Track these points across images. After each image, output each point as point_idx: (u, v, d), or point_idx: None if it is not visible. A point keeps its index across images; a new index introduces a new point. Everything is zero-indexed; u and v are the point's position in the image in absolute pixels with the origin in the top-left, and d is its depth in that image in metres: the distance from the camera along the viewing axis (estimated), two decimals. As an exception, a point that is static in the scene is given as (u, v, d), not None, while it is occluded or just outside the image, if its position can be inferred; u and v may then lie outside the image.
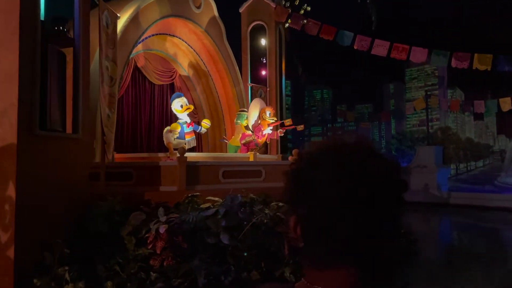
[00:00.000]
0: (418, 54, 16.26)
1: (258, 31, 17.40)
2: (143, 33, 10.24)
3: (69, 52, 6.66)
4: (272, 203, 6.75)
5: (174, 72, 14.68)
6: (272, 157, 12.44)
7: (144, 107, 13.50)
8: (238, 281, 5.68)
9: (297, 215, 0.85)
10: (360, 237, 0.78)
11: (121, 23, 9.20)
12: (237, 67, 16.30)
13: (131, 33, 9.70)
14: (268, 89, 16.90)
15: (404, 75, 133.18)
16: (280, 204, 7.01)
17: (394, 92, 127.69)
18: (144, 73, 13.10)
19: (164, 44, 13.51)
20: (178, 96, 10.88)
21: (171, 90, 14.95)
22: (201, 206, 6.27)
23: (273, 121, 12.23)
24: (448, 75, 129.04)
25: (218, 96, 16.13)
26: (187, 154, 9.97)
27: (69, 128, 6.48)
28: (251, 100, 15.31)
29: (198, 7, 13.34)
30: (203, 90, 16.02)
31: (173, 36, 13.28)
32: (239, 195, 6.32)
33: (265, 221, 5.93)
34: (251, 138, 11.91)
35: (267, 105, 16.25)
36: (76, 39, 6.54)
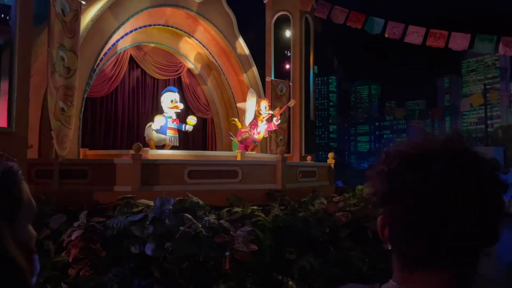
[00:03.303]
0: (459, 41, 14.51)
1: (283, 22, 16.51)
2: (124, 23, 9.70)
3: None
4: (223, 210, 5.91)
5: (181, 66, 14.12)
6: (270, 156, 11.48)
7: (144, 103, 13.05)
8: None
9: (389, 215, 0.84)
10: (460, 240, 0.77)
11: (93, 12, 8.70)
12: (252, 60, 15.42)
13: (107, 23, 9.19)
14: (290, 83, 15.89)
15: (461, 67, 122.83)
16: (234, 210, 6.14)
17: (449, 86, 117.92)
18: (142, 67, 12.65)
19: (166, 37, 12.97)
20: (171, 91, 10.37)
21: (178, 85, 14.41)
22: (133, 210, 5.56)
23: (267, 114, 11.27)
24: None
25: (232, 92, 15.38)
26: (164, 152, 9.38)
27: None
28: (268, 96, 14.45)
29: (200, -4, 12.64)
30: (216, 85, 15.35)
31: (175, 28, 12.70)
32: (171, 198, 5.54)
33: (199, 230, 5.10)
34: (247, 135, 11.06)
35: (293, 98, 15.13)
36: (12, 26, 6.08)
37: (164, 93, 10.22)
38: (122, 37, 10.37)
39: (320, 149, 58.95)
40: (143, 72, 12.92)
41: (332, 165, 12.21)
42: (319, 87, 69.63)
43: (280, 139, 15.34)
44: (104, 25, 9.08)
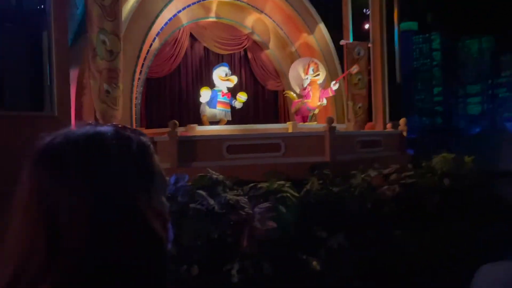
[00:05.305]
0: None
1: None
2: (171, 0, 9.74)
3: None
4: (245, 186, 5.67)
5: (245, 39, 13.85)
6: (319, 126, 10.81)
7: (208, 79, 13.13)
8: (175, 275, 4.93)
9: None
10: None
11: (137, -6, 8.87)
12: (322, 23, 14.39)
13: (153, 2, 9.30)
14: (370, 45, 14.55)
15: None
16: (259, 185, 5.85)
17: None
18: (203, 43, 12.70)
19: (226, 9, 12.77)
20: (223, 66, 10.42)
21: (244, 59, 14.24)
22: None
23: (316, 75, 10.65)
24: None
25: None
26: (210, 128, 9.35)
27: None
28: (344, 61, 13.52)
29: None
30: (284, 55, 14.81)
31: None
32: (186, 175, 5.45)
33: (211, 207, 4.95)
34: (300, 104, 10.57)
35: (357, 64, 13.99)
36: (47, 13, 6.47)
37: (216, 68, 10.25)
38: (175, 15, 10.47)
39: (423, 114, 54.00)
40: (206, 49, 12.98)
41: (405, 133, 11.06)
42: (420, 45, 63.46)
43: (359, 107, 14.24)
44: (150, 5, 9.22)
